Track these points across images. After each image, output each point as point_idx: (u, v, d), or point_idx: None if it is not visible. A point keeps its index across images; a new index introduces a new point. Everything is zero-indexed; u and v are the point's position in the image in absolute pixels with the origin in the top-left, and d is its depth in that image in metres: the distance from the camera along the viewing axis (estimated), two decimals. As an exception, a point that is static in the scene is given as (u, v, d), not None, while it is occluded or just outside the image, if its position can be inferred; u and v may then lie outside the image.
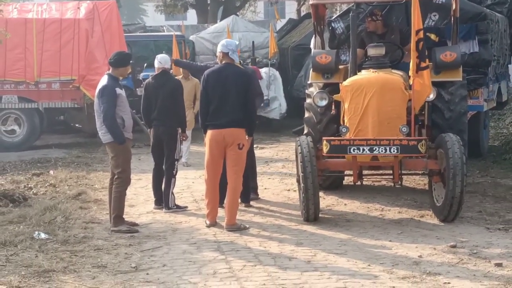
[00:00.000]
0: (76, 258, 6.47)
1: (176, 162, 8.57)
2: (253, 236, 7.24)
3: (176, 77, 9.76)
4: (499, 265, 6.00)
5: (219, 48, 7.62)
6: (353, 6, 9.57)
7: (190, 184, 10.28)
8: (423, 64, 7.45)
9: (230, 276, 5.89)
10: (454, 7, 9.04)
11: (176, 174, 8.59)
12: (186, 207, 8.68)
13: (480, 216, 7.84)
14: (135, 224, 7.74)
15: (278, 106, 16.51)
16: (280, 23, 24.92)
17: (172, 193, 8.56)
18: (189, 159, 11.99)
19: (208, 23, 24.50)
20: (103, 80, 7.56)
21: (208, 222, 7.71)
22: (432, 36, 10.15)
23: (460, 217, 7.67)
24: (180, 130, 8.57)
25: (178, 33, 18.77)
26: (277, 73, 16.80)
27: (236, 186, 7.54)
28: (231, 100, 7.44)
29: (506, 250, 6.50)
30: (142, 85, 10.06)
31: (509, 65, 13.14)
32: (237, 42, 7.86)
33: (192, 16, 35.40)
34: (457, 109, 8.80)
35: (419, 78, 7.49)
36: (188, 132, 10.42)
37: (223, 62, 7.58)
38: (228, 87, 7.46)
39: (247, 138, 7.64)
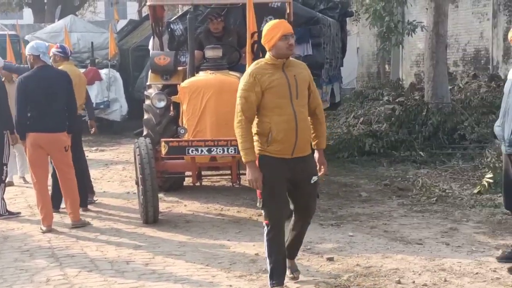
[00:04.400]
0: None
1: (4, 166, 8.19)
2: (90, 241, 7.05)
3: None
4: (330, 259, 6.24)
5: (28, 51, 7.49)
6: (191, 8, 9.62)
7: (25, 189, 9.86)
8: (258, 66, 7.56)
9: (64, 283, 5.69)
10: (288, 11, 9.29)
11: (5, 179, 8.25)
12: (19, 213, 8.31)
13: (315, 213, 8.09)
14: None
15: (119, 108, 16.26)
16: (121, 24, 24.51)
17: (3, 199, 8.17)
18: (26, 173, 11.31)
19: (45, 22, 23.66)
20: None
21: (44, 227, 7.45)
22: (268, 39, 10.38)
23: (296, 214, 7.86)
24: (8, 133, 8.20)
25: (13, 32, 17.96)
26: (117, 75, 16.54)
27: (72, 181, 7.57)
28: (56, 102, 7.41)
29: (337, 244, 6.76)
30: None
31: (341, 68, 13.70)
32: (47, 44, 7.72)
33: (28, 15, 33.99)
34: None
35: (254, 80, 7.60)
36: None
37: (36, 65, 7.42)
38: (52, 90, 7.40)
39: (68, 136, 7.56)
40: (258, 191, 5.21)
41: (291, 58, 5.32)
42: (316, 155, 5.43)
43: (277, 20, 5.24)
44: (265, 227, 5.26)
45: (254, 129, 5.22)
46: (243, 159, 5.16)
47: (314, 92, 5.38)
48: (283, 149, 5.16)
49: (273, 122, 5.13)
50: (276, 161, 5.17)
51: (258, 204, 5.27)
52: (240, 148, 5.18)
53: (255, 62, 5.34)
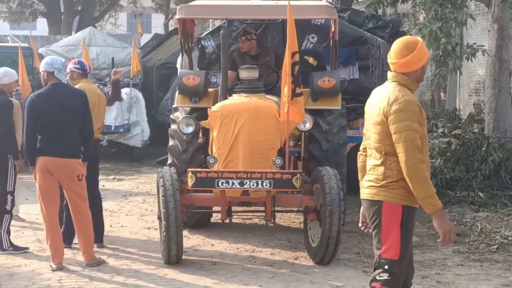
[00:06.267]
0: None
1: (9, 195, 8.26)
2: (105, 282, 7.06)
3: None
4: (376, 312, 6.14)
5: (42, 67, 7.61)
6: (225, 23, 9.71)
7: (34, 220, 9.93)
8: (298, 90, 7.58)
9: (76, 328, 5.70)
10: (333, 29, 9.33)
11: (10, 209, 8.31)
12: (27, 248, 8.36)
13: (358, 258, 8.05)
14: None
15: (140, 132, 16.35)
16: (145, 38, 24.82)
17: (6, 231, 8.22)
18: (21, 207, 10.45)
19: (61, 34, 24.03)
20: None
21: (54, 265, 7.48)
22: (310, 60, 10.42)
23: (337, 259, 7.82)
24: (12, 157, 8.27)
25: (25, 44, 18.24)
26: (139, 95, 16.67)
27: (86, 215, 7.56)
28: (69, 124, 7.46)
29: (385, 295, 6.67)
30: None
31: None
32: (63, 60, 7.81)
33: (42, 26, 34.54)
34: (335, 140, 9.02)
35: (293, 106, 7.62)
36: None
37: (50, 82, 7.52)
38: (66, 110, 7.46)
39: (83, 164, 7.58)
40: (392, 249, 4.78)
41: None
42: None
43: (418, 38, 4.89)
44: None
45: (393, 172, 4.79)
46: (431, 208, 4.66)
47: None
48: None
49: (426, 163, 4.73)
50: (414, 213, 4.87)
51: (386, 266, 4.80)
52: (425, 195, 4.65)
53: (396, 85, 4.79)
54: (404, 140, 4.63)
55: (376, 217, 4.81)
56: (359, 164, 5.09)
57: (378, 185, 4.81)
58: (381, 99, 4.79)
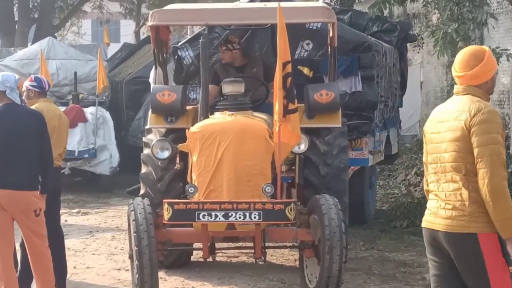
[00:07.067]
0: None
1: None
2: (69, 333, 7.06)
3: None
4: None
5: None
6: (205, 29, 9.77)
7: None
8: (291, 106, 7.62)
9: None
10: (331, 35, 9.39)
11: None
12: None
13: (364, 300, 8.09)
14: None
15: (108, 158, 16.39)
16: (113, 49, 24.90)
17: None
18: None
19: (15, 46, 24.06)
20: None
21: (7, 315, 7.46)
22: (305, 70, 10.50)
23: (339, 302, 7.85)
24: None
25: (-27, 58, 18.31)
26: (107, 115, 16.74)
27: (45, 256, 7.50)
28: (25, 151, 7.40)
29: None
30: None
31: (399, 109, 13.74)
32: (17, 77, 7.80)
33: (-7, 37, 34.62)
34: (335, 164, 9.06)
35: (286, 124, 7.66)
36: None
37: (2, 103, 7.49)
38: (20, 135, 7.40)
39: (41, 197, 7.53)
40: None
41: None
42: None
43: (484, 47, 5.01)
44: None
45: (478, 195, 4.73)
46: (509, 231, 4.66)
47: None
48: None
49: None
50: None
51: None
52: (506, 217, 4.64)
53: (472, 97, 4.89)
54: (489, 154, 4.65)
55: (472, 255, 4.72)
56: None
57: (465, 213, 4.75)
58: (457, 113, 4.84)
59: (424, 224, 4.99)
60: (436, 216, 4.89)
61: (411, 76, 16.86)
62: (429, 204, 4.98)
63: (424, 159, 5.13)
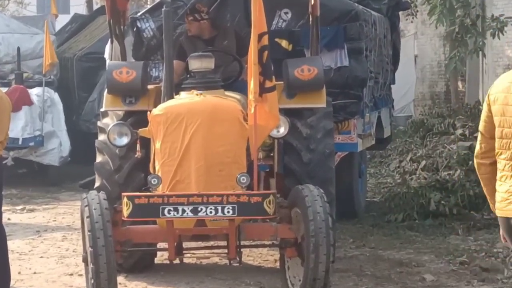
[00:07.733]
0: None
1: None
2: None
3: None
4: None
5: None
6: (167, -3, 9.73)
7: None
8: (268, 84, 7.61)
9: None
10: (312, 2, 9.38)
11: None
12: None
13: (355, 305, 8.10)
14: None
15: (57, 146, 16.34)
16: (62, 21, 24.76)
17: None
18: None
19: None
20: None
21: None
22: (283, 43, 10.49)
23: (326, 308, 7.85)
24: None
25: None
26: (55, 96, 16.70)
27: None
28: None
29: None
30: None
31: (392, 86, 13.76)
32: None
33: None
34: (319, 149, 9.07)
35: (263, 104, 7.63)
36: None
37: None
38: None
39: None
40: None
41: None
42: None
43: None
44: None
45: None
46: None
47: None
48: None
49: None
50: None
51: None
52: None
53: None
54: None
55: None
56: (484, 177, 5.17)
57: None
58: None
59: (498, 212, 5.04)
60: (502, 202, 4.97)
61: (404, 49, 16.93)
62: (501, 188, 5.00)
63: (481, 128, 5.14)
